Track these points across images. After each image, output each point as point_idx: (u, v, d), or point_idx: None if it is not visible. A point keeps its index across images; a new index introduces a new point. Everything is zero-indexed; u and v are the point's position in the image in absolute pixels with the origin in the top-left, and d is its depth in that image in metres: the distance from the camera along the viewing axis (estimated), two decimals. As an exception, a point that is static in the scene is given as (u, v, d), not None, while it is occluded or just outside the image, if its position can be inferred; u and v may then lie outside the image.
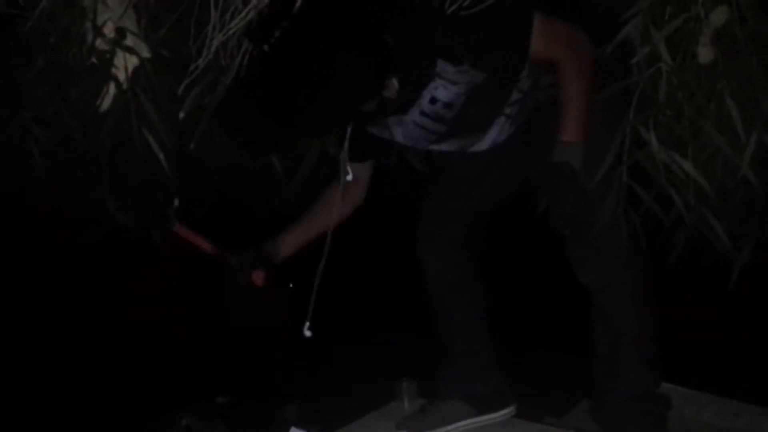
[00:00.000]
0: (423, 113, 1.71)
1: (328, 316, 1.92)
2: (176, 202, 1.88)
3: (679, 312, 2.32)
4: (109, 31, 1.71)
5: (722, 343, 2.51)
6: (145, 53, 1.77)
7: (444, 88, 1.64)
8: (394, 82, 1.61)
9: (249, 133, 1.58)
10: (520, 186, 2.01)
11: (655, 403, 1.85)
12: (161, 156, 1.81)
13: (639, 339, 1.81)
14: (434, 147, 1.86)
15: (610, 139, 1.60)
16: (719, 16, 1.50)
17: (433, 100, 1.67)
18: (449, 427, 2.04)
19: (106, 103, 1.84)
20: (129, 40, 1.73)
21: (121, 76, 1.79)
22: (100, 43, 1.72)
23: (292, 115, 1.47)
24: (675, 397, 1.97)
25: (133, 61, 1.78)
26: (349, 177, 1.81)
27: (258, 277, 1.84)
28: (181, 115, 1.81)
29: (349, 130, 1.75)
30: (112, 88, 1.81)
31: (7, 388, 2.81)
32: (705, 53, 1.52)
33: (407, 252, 2.10)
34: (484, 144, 1.84)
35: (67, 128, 1.98)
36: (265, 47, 1.45)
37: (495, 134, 1.82)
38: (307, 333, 1.83)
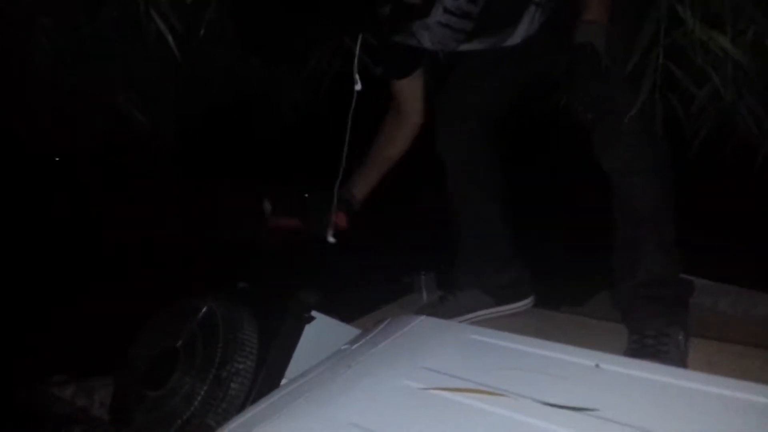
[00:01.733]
0: (447, 10, 1.63)
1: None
2: (267, 205, 1.89)
3: (701, 201, 2.28)
4: None
5: (743, 232, 2.48)
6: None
7: None
8: None
9: (264, 34, 1.52)
10: (545, 77, 1.94)
11: (675, 288, 1.84)
12: (171, 41, 1.74)
13: (659, 225, 1.78)
14: (465, 47, 1.79)
15: (639, 19, 1.53)
16: None
17: None
18: (468, 316, 2.05)
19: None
20: None
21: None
22: None
23: (306, 14, 1.41)
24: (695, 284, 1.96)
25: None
26: (358, 87, 1.74)
27: (341, 219, 1.88)
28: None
29: (361, 39, 1.69)
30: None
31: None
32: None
33: (426, 145, 2.06)
34: (516, 38, 1.76)
35: (73, 13, 1.91)
36: None
37: (526, 26, 1.74)
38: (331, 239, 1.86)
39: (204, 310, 1.50)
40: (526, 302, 2.10)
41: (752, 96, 1.73)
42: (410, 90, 1.92)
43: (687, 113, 1.81)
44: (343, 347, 1.43)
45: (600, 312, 2.07)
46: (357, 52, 1.72)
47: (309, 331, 1.53)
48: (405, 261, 2.36)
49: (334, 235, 1.88)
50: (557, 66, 1.82)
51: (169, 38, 1.73)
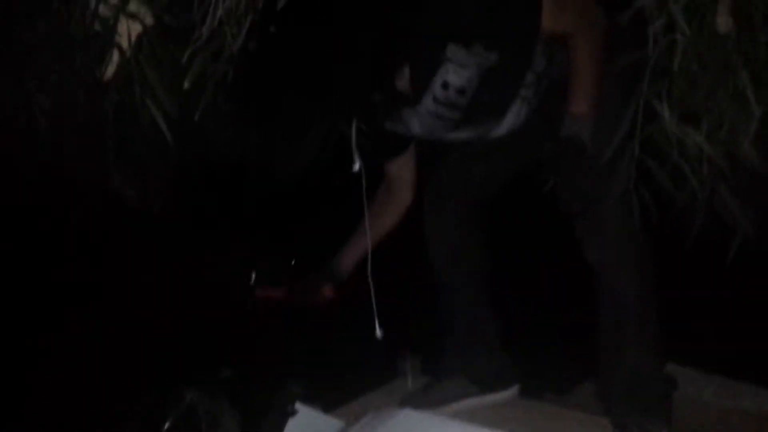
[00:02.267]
0: (436, 100, 1.68)
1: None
2: (254, 276, 1.95)
3: (684, 291, 2.30)
4: (111, -4, 1.67)
5: (726, 323, 2.50)
6: (149, 20, 1.73)
7: (455, 73, 1.61)
8: (405, 71, 1.58)
9: (258, 114, 1.56)
10: (531, 163, 1.98)
11: (659, 383, 1.84)
12: (164, 126, 1.78)
13: (643, 318, 1.80)
14: (452, 136, 1.84)
15: (621, 113, 1.58)
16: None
17: (445, 85, 1.64)
18: (452, 406, 2.04)
19: (109, 71, 1.80)
20: (132, 6, 1.69)
21: (125, 43, 1.75)
22: (103, 10, 1.68)
23: (299, 99, 1.46)
24: (677, 377, 1.96)
25: (136, 29, 1.74)
26: (357, 166, 1.79)
27: (328, 290, 1.94)
28: (186, 84, 1.77)
29: (355, 124, 1.74)
30: (115, 56, 1.77)
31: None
32: (724, 22, 1.49)
33: (412, 227, 2.08)
34: (501, 129, 1.82)
35: (69, 96, 1.94)
36: (272, 28, 1.44)
37: (512, 119, 1.79)
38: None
39: (186, 401, 1.48)
40: (511, 391, 2.09)
41: (726, 191, 1.76)
42: (401, 168, 1.96)
43: (664, 206, 1.84)
44: (325, 442, 1.41)
45: (584, 402, 2.07)
46: (353, 136, 1.76)
47: (292, 425, 1.52)
48: (390, 344, 2.35)
49: (319, 309, 1.91)
50: (543, 153, 1.87)
51: (163, 125, 1.76)
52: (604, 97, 1.64)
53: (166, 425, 1.45)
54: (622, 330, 1.81)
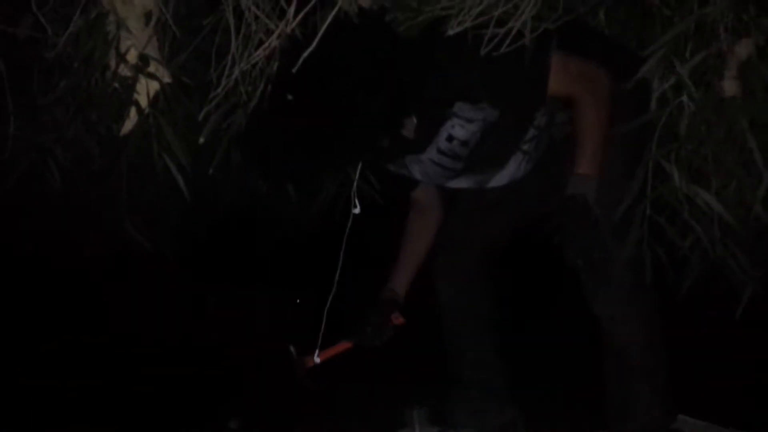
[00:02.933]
0: (440, 151, 1.74)
1: (338, 341, 1.93)
2: (291, 349, 1.97)
3: (692, 344, 2.31)
4: (131, 57, 1.73)
5: (735, 375, 2.49)
6: (166, 79, 1.79)
7: (461, 127, 1.67)
8: (413, 120, 1.62)
9: (270, 164, 1.60)
10: (535, 218, 2.02)
11: (668, 436, 1.83)
12: (180, 179, 1.82)
13: (650, 373, 1.80)
14: (452, 183, 1.88)
15: (628, 174, 1.61)
16: (744, 48, 1.51)
17: (450, 138, 1.70)
18: (461, 457, 2.03)
19: (126, 126, 1.86)
20: (151, 67, 1.75)
21: (142, 100, 1.80)
22: (122, 69, 1.74)
23: (310, 149, 1.50)
24: (686, 429, 1.95)
25: (154, 86, 1.79)
26: (356, 210, 1.85)
27: (397, 320, 2.00)
28: (201, 140, 1.82)
29: (360, 165, 1.83)
30: (133, 113, 1.82)
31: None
32: (730, 86, 1.52)
33: (420, 277, 2.11)
34: (502, 179, 1.86)
35: (87, 150, 2.00)
36: (287, 87, 1.48)
37: (513, 170, 1.83)
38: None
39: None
40: (520, 445, 2.08)
41: (736, 247, 1.78)
42: (426, 191, 2.04)
43: (674, 262, 1.86)
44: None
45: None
46: (356, 179, 1.84)
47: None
48: (397, 393, 2.36)
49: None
50: (549, 208, 1.91)
51: (179, 178, 1.81)
52: (610, 159, 1.67)
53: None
54: (629, 382, 1.81)
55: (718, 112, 1.57)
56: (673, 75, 1.52)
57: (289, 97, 1.48)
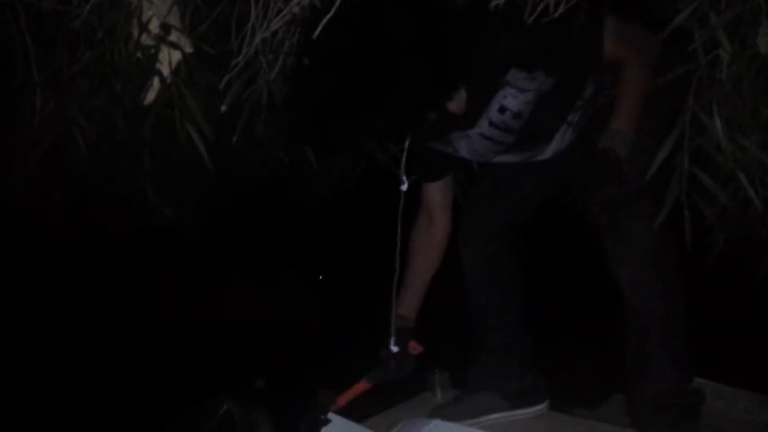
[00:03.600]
0: (491, 124, 1.71)
1: (363, 308, 1.95)
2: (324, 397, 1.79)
3: (714, 307, 2.31)
4: (153, 27, 1.75)
5: (757, 338, 2.49)
6: (188, 48, 1.81)
7: (513, 97, 1.64)
8: (463, 93, 1.60)
9: (315, 135, 1.58)
10: (569, 187, 2.01)
11: (687, 397, 1.85)
12: (202, 148, 1.85)
13: (669, 334, 1.81)
14: (499, 159, 1.87)
15: (658, 131, 1.59)
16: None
17: (502, 109, 1.67)
18: (481, 419, 2.05)
19: (149, 96, 1.88)
20: (173, 36, 1.78)
21: (165, 70, 1.83)
22: (145, 39, 1.77)
23: (355, 117, 1.45)
24: (707, 391, 1.97)
25: (176, 56, 1.82)
26: (404, 187, 1.80)
27: (414, 349, 1.93)
28: (223, 108, 1.85)
29: (407, 143, 1.73)
30: (155, 83, 1.85)
31: (48, 378, 2.90)
32: (765, 43, 1.50)
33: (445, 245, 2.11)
34: (547, 153, 1.85)
35: (111, 121, 2.03)
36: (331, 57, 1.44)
37: (558, 143, 1.83)
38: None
39: (222, 410, 1.54)
40: (540, 407, 2.11)
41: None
42: (441, 195, 1.97)
43: (702, 224, 1.85)
44: (357, 451, 1.46)
45: (613, 417, 2.08)
46: (405, 153, 1.76)
47: (325, 434, 1.56)
48: (419, 358, 2.39)
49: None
50: (582, 176, 1.89)
51: (201, 147, 1.83)
52: (650, 119, 1.66)
53: (206, 433, 1.51)
54: (649, 345, 1.82)
55: (754, 67, 1.55)
56: (708, 27, 1.49)
57: (333, 66, 1.45)
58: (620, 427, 1.97)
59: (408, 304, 1.97)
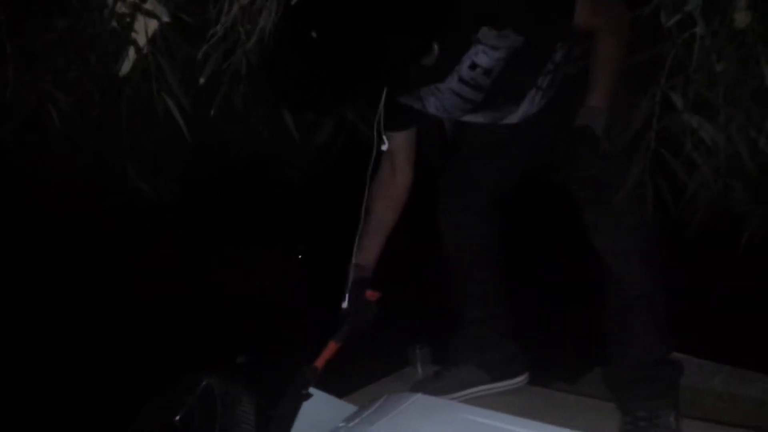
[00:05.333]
0: (461, 80, 1.70)
1: (343, 282, 1.94)
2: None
3: (692, 280, 2.33)
4: (129, -6, 1.71)
5: (735, 313, 2.52)
6: (165, 17, 1.78)
7: (484, 54, 1.64)
8: (435, 48, 1.60)
9: (292, 94, 1.55)
10: (542, 157, 2.01)
11: (666, 369, 1.87)
12: (180, 121, 1.82)
13: (650, 306, 1.82)
14: (466, 118, 1.86)
15: (636, 105, 1.60)
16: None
17: (473, 66, 1.67)
18: (463, 393, 2.07)
19: (125, 67, 1.84)
20: (148, 4, 1.74)
21: (141, 40, 1.79)
22: (120, 7, 1.73)
23: (333, 78, 1.44)
24: (686, 366, 1.99)
25: (152, 26, 1.78)
26: (385, 146, 1.79)
27: (371, 296, 1.85)
28: (201, 80, 1.81)
29: (382, 102, 1.71)
30: (131, 53, 1.81)
31: (27, 355, 2.87)
32: (742, 18, 1.50)
33: (425, 217, 2.11)
34: (515, 117, 1.85)
35: (86, 92, 1.99)
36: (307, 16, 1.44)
37: (527, 107, 1.82)
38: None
39: (202, 385, 1.52)
40: (520, 379, 2.13)
41: (740, 182, 1.78)
42: (405, 145, 1.93)
43: (678, 199, 1.86)
44: (339, 425, 1.45)
45: (593, 389, 2.09)
46: (380, 111, 1.73)
47: (306, 408, 1.55)
48: (400, 333, 2.39)
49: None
50: (556, 146, 1.89)
51: (179, 118, 1.80)
52: (619, 90, 1.66)
53: (184, 408, 1.49)
54: (629, 317, 1.84)
55: (730, 44, 1.55)
56: (685, 5, 1.49)
57: (311, 25, 1.44)
58: (600, 400, 1.98)
59: (365, 253, 1.91)
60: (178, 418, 1.50)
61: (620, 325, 1.84)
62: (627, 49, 1.65)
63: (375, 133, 1.77)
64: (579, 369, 2.24)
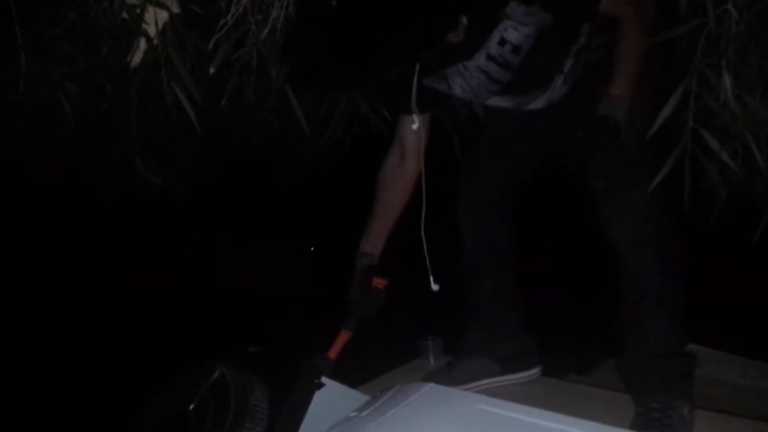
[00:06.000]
0: (490, 57, 1.67)
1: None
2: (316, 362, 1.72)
3: (707, 270, 2.31)
4: (139, -15, 1.71)
5: (749, 303, 2.50)
6: (175, 8, 1.77)
7: (514, 29, 1.62)
8: (464, 21, 1.57)
9: (316, 71, 1.53)
10: (560, 149, 1.99)
11: (680, 361, 1.85)
12: (191, 112, 1.81)
13: (664, 298, 1.80)
14: (492, 102, 1.84)
15: (659, 100, 1.58)
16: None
17: (502, 42, 1.64)
18: (474, 384, 2.06)
19: (136, 58, 1.84)
20: (159, -5, 1.73)
21: (151, 31, 1.78)
22: (130, -2, 1.72)
23: (358, 54, 1.42)
24: (699, 358, 1.97)
25: (163, 17, 1.77)
26: (415, 126, 1.76)
27: (379, 284, 1.83)
28: (211, 70, 1.81)
29: (416, 80, 1.68)
30: (142, 44, 1.81)
31: (40, 341, 2.88)
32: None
33: (440, 208, 2.10)
34: (540, 102, 1.83)
35: (96, 84, 1.99)
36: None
37: (551, 92, 1.81)
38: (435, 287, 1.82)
39: (216, 374, 1.52)
40: (533, 372, 2.12)
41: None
42: (416, 133, 1.86)
43: (698, 188, 1.84)
44: (351, 414, 1.45)
45: (606, 381, 2.08)
46: (414, 89, 1.70)
47: (318, 397, 1.55)
48: (412, 325, 2.39)
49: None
50: (574, 136, 1.87)
51: (189, 110, 1.80)
52: (648, 84, 1.65)
53: (197, 397, 1.49)
54: (643, 308, 1.82)
55: (764, 20, 1.52)
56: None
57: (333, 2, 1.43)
58: (613, 391, 1.97)
59: (371, 240, 1.90)
60: (191, 407, 1.50)
61: (635, 316, 1.82)
62: (651, 36, 1.63)
63: (412, 110, 1.71)
64: (592, 360, 2.24)
